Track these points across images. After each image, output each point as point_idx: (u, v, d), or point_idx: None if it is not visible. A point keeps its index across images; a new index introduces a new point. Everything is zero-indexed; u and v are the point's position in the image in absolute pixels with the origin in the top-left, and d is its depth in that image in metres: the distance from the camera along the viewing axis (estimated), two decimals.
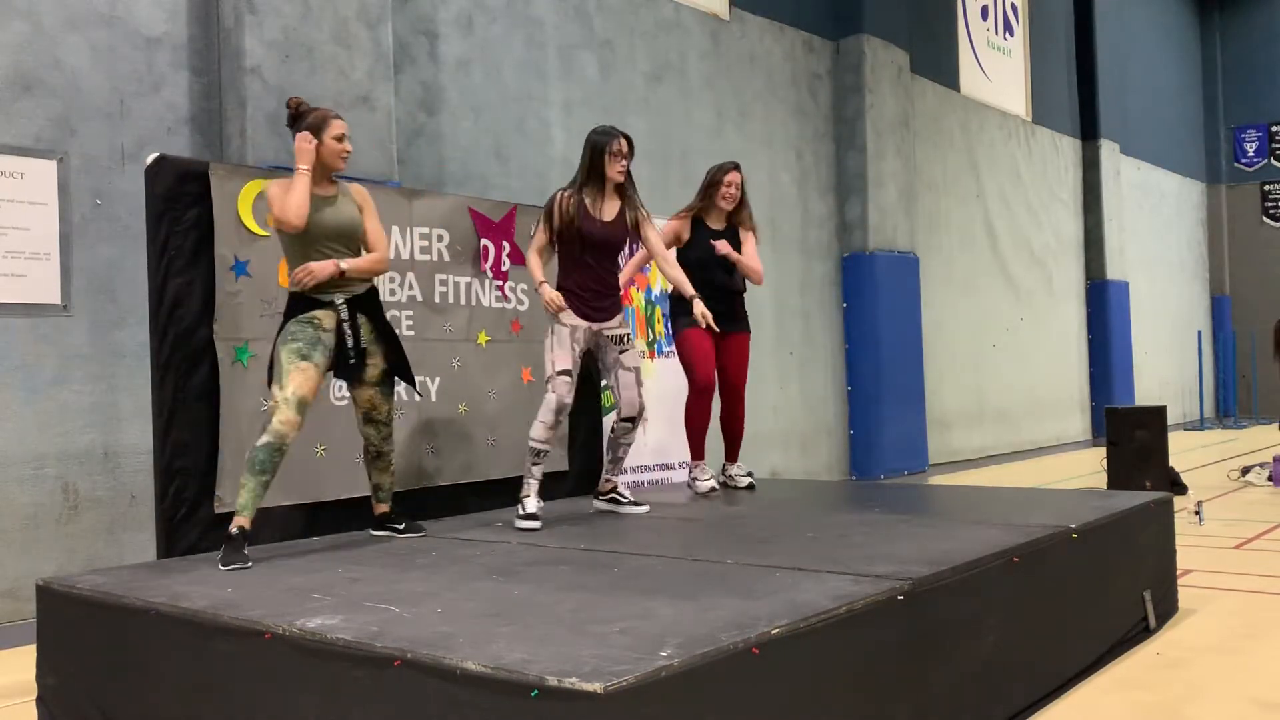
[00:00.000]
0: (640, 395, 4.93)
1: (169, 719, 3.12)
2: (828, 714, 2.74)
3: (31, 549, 5.01)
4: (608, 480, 5.14)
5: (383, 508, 4.59)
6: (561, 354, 4.75)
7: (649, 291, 7.07)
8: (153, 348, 4.39)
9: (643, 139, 8.33)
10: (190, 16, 5.68)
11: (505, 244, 5.70)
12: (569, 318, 4.81)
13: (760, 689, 2.55)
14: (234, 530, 3.92)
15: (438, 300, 5.37)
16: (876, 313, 10.34)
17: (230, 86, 5.60)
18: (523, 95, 7.43)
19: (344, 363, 4.21)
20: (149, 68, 5.52)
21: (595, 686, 2.20)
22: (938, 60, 12.09)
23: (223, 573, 3.71)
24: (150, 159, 4.47)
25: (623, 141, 4.87)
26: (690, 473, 5.83)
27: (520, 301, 5.78)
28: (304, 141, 4.14)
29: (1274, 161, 19.41)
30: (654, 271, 7.16)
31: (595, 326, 4.86)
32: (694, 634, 2.57)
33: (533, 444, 4.76)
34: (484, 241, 5.60)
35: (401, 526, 4.56)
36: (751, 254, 5.70)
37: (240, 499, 3.97)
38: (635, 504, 5.06)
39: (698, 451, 5.80)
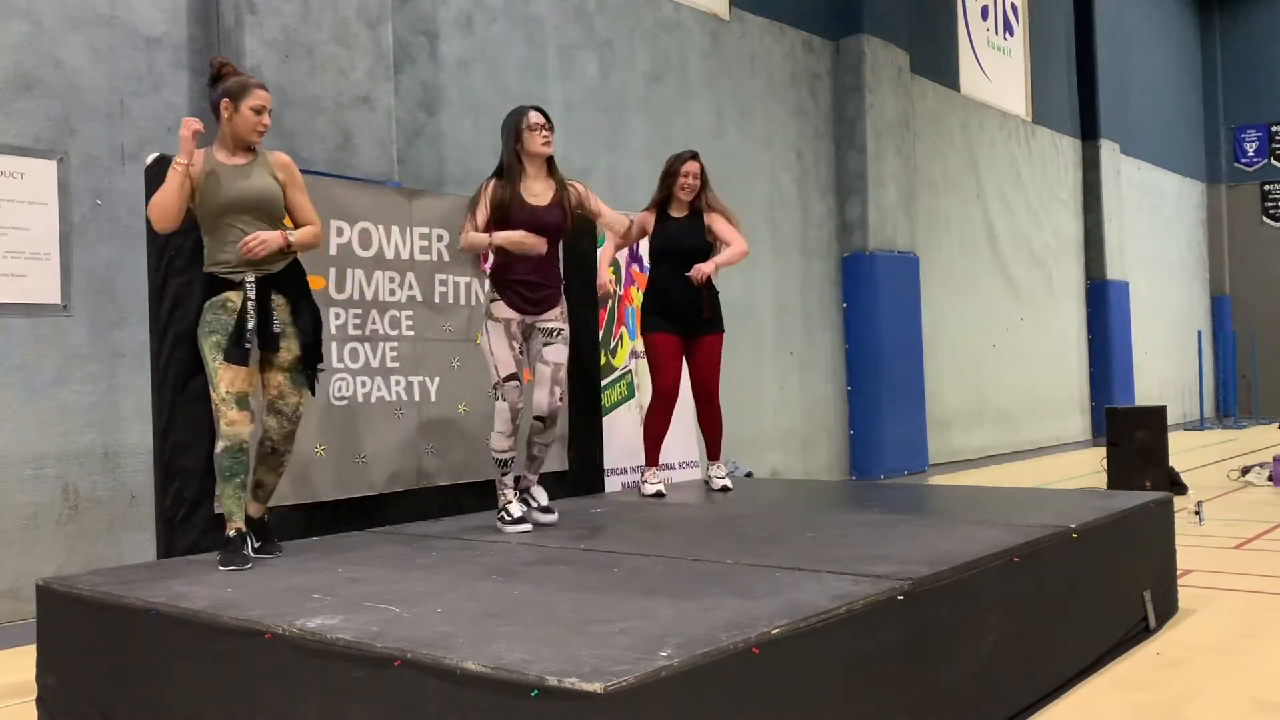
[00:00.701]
0: (553, 395, 4.64)
1: (169, 719, 3.12)
2: (828, 714, 2.74)
3: (31, 549, 5.01)
4: (526, 478, 4.79)
5: (256, 510, 4.15)
6: (503, 356, 4.54)
7: None
8: (153, 348, 4.39)
9: (643, 139, 8.33)
10: (190, 16, 5.67)
11: None
12: (501, 309, 4.58)
13: (760, 689, 2.55)
14: (231, 533, 3.89)
15: (438, 300, 5.37)
16: (876, 313, 10.34)
17: None
18: (523, 95, 7.43)
19: (239, 343, 3.87)
20: (149, 68, 5.52)
21: (595, 686, 2.20)
22: (938, 60, 12.09)
23: (222, 573, 3.71)
24: (150, 159, 4.47)
25: (537, 113, 4.59)
26: (641, 475, 5.79)
27: None
28: (184, 129, 3.81)
29: (1274, 161, 19.41)
30: None
31: (529, 319, 4.63)
32: (694, 634, 2.57)
33: (495, 455, 4.61)
34: None
35: (258, 544, 4.06)
36: (727, 233, 5.50)
37: (224, 506, 3.93)
38: (546, 510, 4.70)
39: (651, 458, 5.72)
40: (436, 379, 5.33)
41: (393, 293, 5.18)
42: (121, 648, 3.31)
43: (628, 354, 6.83)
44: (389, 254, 5.18)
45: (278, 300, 3.98)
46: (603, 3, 8.10)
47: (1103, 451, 9.19)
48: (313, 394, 4.12)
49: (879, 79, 10.53)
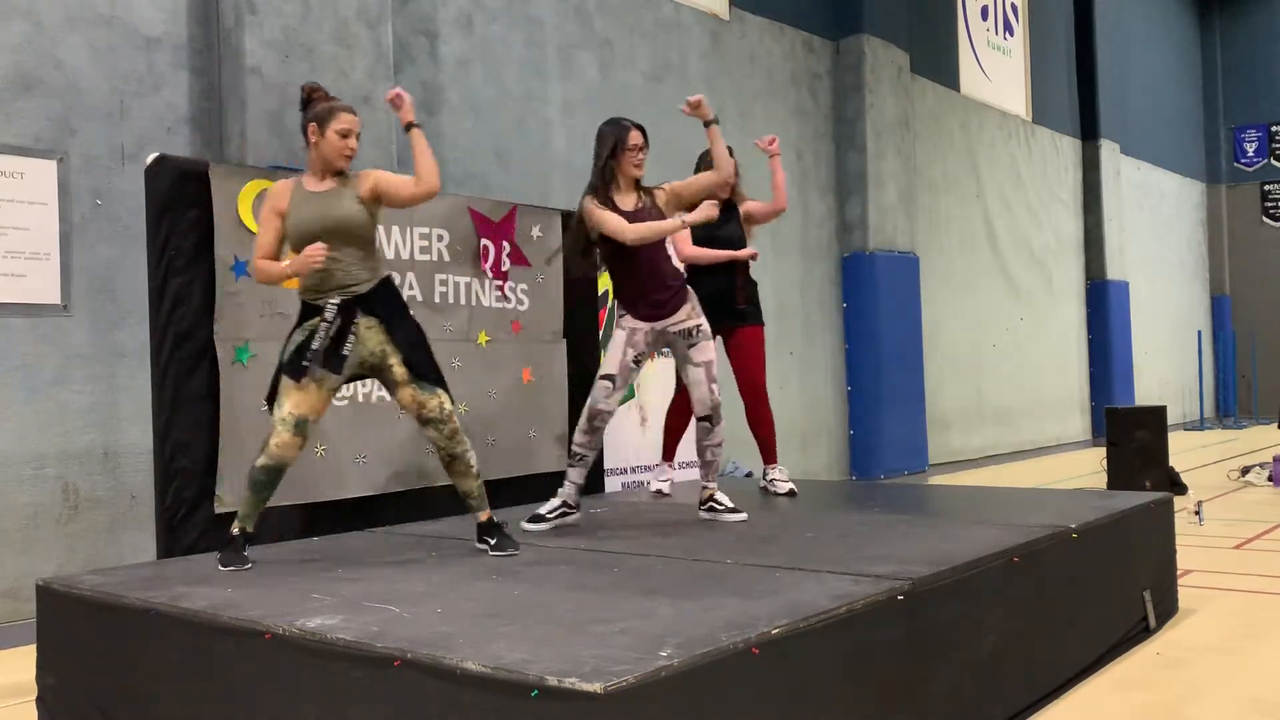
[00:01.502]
0: (713, 391, 4.59)
1: (169, 719, 3.12)
2: (828, 714, 2.74)
3: (31, 549, 5.01)
4: (704, 488, 4.74)
5: (481, 516, 4.05)
6: (611, 357, 4.55)
7: None
8: (153, 348, 4.39)
9: None
10: (190, 16, 5.67)
11: (505, 244, 5.70)
12: (628, 321, 4.58)
13: (760, 689, 2.55)
14: (234, 531, 3.88)
15: (438, 300, 5.37)
16: (876, 313, 10.33)
17: (230, 86, 5.60)
18: (523, 95, 7.43)
19: (298, 359, 3.84)
20: (149, 68, 5.52)
21: (595, 686, 2.20)
22: (938, 60, 12.09)
23: (223, 573, 3.71)
24: (150, 159, 4.47)
25: (639, 134, 4.55)
26: (653, 470, 5.66)
27: (520, 301, 5.78)
28: (317, 255, 3.74)
29: (1274, 161, 19.41)
30: None
31: (658, 326, 4.58)
32: (694, 634, 2.57)
33: (572, 447, 4.63)
34: (484, 241, 5.60)
35: (494, 542, 3.98)
36: (762, 205, 5.40)
37: (241, 509, 3.92)
38: (733, 510, 4.64)
39: (666, 453, 5.66)
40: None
41: None
42: (121, 648, 3.31)
43: None
44: (389, 254, 5.18)
45: (369, 322, 3.89)
46: (603, 3, 8.10)
47: (1103, 451, 9.19)
48: (450, 399, 4.04)
49: (879, 79, 10.53)
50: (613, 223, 4.41)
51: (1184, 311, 18.56)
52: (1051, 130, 14.45)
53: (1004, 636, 3.47)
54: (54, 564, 5.04)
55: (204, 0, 5.71)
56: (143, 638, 3.23)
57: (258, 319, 4.64)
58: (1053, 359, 14.14)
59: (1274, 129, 19.40)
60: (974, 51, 12.86)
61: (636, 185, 4.57)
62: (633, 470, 6.76)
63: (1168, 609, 4.70)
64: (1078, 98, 15.17)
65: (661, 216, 4.51)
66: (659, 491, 5.58)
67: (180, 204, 4.45)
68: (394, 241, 5.21)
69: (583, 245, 4.55)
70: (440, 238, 5.40)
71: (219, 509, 4.46)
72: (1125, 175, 16.24)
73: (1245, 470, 9.86)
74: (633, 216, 4.44)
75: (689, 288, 4.68)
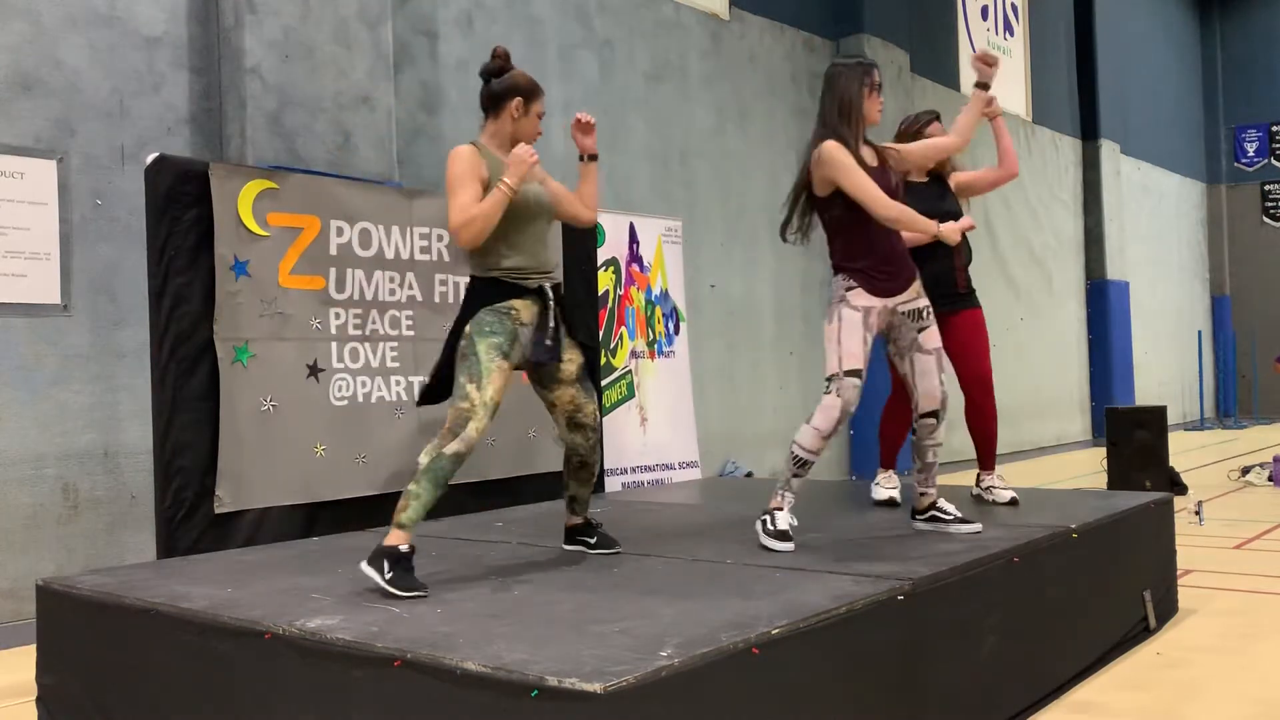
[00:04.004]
0: (942, 384, 4.03)
1: (169, 719, 3.11)
2: (828, 714, 2.74)
3: (31, 549, 5.01)
4: (923, 494, 4.16)
5: (577, 520, 3.97)
6: (852, 347, 3.87)
7: (649, 291, 7.07)
8: (153, 348, 4.39)
9: (643, 139, 8.33)
10: (190, 16, 5.67)
11: None
12: (861, 298, 3.89)
13: (760, 689, 2.55)
14: (404, 548, 3.32)
15: (437, 300, 5.37)
16: None
17: (230, 86, 5.60)
18: None
19: (540, 356, 3.59)
20: (149, 68, 5.52)
21: (595, 686, 2.20)
22: (938, 60, 12.09)
23: (228, 575, 3.70)
24: (150, 159, 4.47)
25: (878, 74, 4.00)
26: (876, 479, 5.03)
27: None
28: (530, 158, 3.51)
29: (1274, 161, 19.41)
30: (654, 269, 7.15)
31: (892, 303, 3.95)
32: (694, 634, 2.57)
33: (799, 453, 3.92)
34: None
35: (594, 540, 3.92)
36: (977, 175, 4.85)
37: (410, 512, 3.37)
38: (964, 521, 4.03)
39: (888, 461, 5.05)
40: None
41: (393, 293, 5.18)
42: (121, 648, 3.31)
43: (628, 354, 6.83)
44: (389, 254, 5.18)
45: (557, 311, 3.69)
46: (603, 3, 8.10)
47: (1103, 451, 9.19)
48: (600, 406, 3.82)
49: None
50: (871, 190, 3.80)
51: (1184, 311, 18.56)
52: (1051, 130, 14.44)
53: (1004, 636, 3.47)
54: (54, 564, 5.04)
55: (204, 0, 5.71)
56: (143, 638, 3.23)
57: (258, 319, 4.64)
58: (1053, 359, 14.14)
59: (1274, 129, 19.39)
60: (974, 51, 12.86)
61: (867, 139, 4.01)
62: (633, 470, 6.76)
63: (1168, 609, 4.70)
64: (1078, 98, 15.17)
65: (900, 181, 4.01)
66: (891, 500, 4.91)
67: (180, 204, 4.45)
68: (394, 241, 5.21)
69: (804, 198, 3.99)
70: (440, 238, 5.40)
71: (219, 509, 4.47)
72: (1125, 175, 16.23)
73: (1245, 470, 9.86)
74: (878, 176, 3.90)
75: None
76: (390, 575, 3.27)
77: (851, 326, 3.88)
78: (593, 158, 3.86)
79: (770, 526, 3.87)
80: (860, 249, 3.92)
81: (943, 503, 4.12)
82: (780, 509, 3.91)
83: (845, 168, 3.81)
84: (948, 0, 12.43)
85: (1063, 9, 14.96)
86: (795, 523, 3.94)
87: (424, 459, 3.43)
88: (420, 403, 3.72)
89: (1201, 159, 19.67)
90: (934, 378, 4.02)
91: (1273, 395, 18.48)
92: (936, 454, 4.13)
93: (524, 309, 3.60)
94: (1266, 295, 19.21)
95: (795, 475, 3.94)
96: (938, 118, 4.95)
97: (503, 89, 3.68)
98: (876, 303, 3.92)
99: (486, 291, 3.57)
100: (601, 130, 7.99)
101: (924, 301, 4.03)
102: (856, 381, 3.89)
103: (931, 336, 4.02)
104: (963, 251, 4.83)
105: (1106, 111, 15.31)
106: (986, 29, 13.13)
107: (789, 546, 3.77)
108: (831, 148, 3.85)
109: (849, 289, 3.92)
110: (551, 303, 3.63)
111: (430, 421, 5.26)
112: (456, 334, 3.56)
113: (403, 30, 6.65)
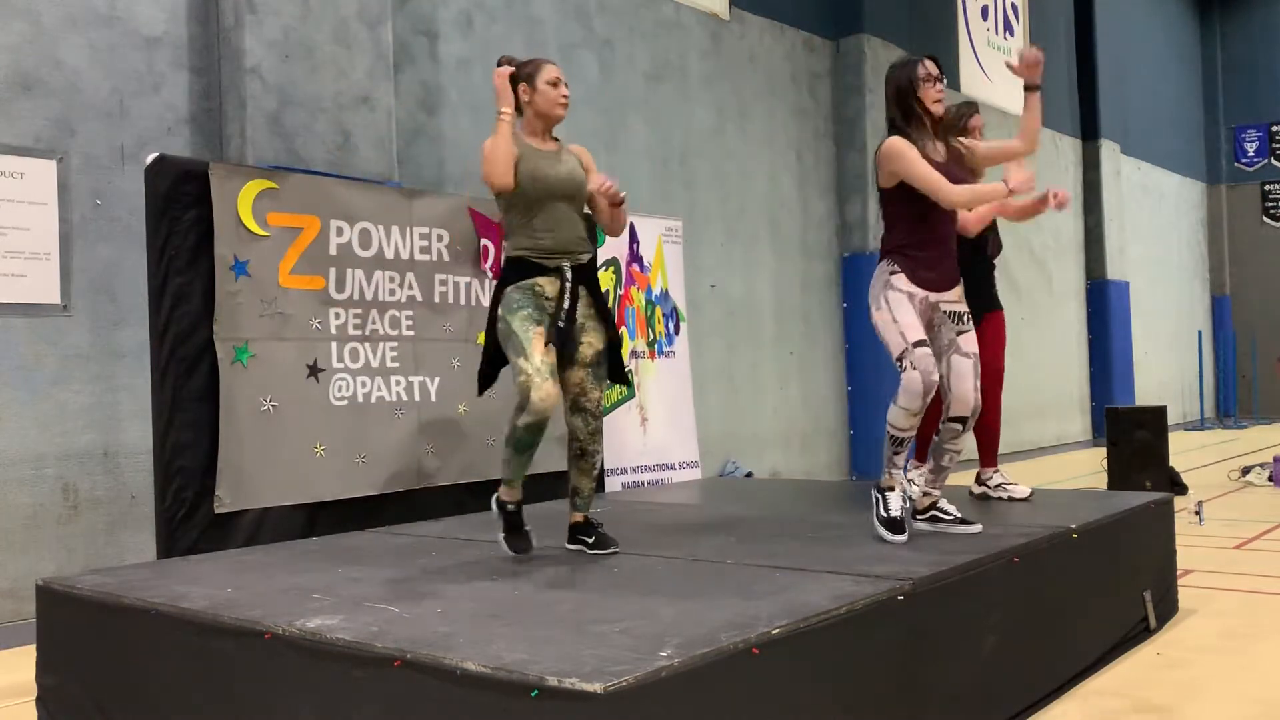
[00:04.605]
0: (976, 389, 3.99)
1: (169, 719, 3.11)
2: (828, 714, 2.74)
3: (31, 549, 5.01)
4: (926, 494, 4.12)
5: (578, 517, 3.97)
6: (910, 318, 3.84)
7: (649, 291, 7.08)
8: (153, 348, 4.40)
9: (643, 139, 8.33)
10: (190, 16, 5.67)
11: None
12: (904, 283, 3.91)
13: (760, 689, 2.55)
14: (510, 505, 3.73)
15: (437, 300, 5.37)
16: None
17: (230, 86, 5.60)
18: None
19: (555, 325, 3.72)
20: (149, 68, 5.52)
21: (595, 686, 2.20)
22: (938, 60, 12.08)
23: (228, 575, 3.69)
24: (150, 159, 4.48)
25: (931, 63, 4.02)
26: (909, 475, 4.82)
27: None
28: (499, 77, 3.70)
29: (1274, 161, 19.40)
30: (655, 269, 7.15)
31: (934, 298, 3.96)
32: (694, 634, 2.57)
33: (894, 433, 3.90)
34: (484, 241, 5.60)
35: (591, 540, 3.90)
36: (994, 147, 4.42)
37: (509, 471, 3.73)
38: (964, 521, 4.00)
39: (989, 458, 5.00)
40: (436, 379, 5.33)
41: (393, 293, 5.18)
42: (121, 648, 3.31)
43: (628, 354, 6.83)
44: (389, 254, 5.18)
45: (582, 291, 3.83)
46: (603, 3, 8.10)
47: (1103, 451, 9.19)
48: (629, 387, 3.96)
49: (879, 79, 10.51)
50: (933, 178, 3.84)
51: (1184, 311, 18.56)
52: (1052, 130, 14.44)
53: (1004, 636, 3.47)
54: (54, 564, 5.04)
55: (204, 0, 5.71)
56: (143, 638, 3.23)
57: (258, 319, 4.65)
58: (1053, 359, 14.14)
59: (1274, 129, 19.39)
60: (974, 51, 12.86)
61: (935, 127, 4.04)
62: (633, 470, 6.76)
63: (1168, 609, 4.70)
64: (1078, 98, 15.17)
65: (964, 169, 4.03)
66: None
67: (180, 204, 4.45)
68: (394, 241, 5.21)
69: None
70: (440, 238, 5.40)
71: (219, 509, 4.47)
72: (1125, 175, 16.23)
73: (1245, 470, 9.85)
74: (941, 168, 3.92)
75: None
76: (502, 527, 3.78)
77: (900, 303, 3.90)
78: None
79: (884, 512, 3.90)
80: (912, 240, 3.96)
81: (943, 503, 4.11)
82: (892, 489, 3.95)
83: (907, 159, 3.87)
84: (948, 0, 12.43)
85: (1063, 9, 14.96)
86: (907, 505, 3.98)
87: (506, 430, 3.70)
88: (480, 391, 3.88)
89: (1201, 159, 19.67)
90: (969, 381, 3.99)
91: (1273, 395, 18.48)
92: (954, 460, 4.11)
93: (548, 286, 3.74)
94: (1266, 295, 19.20)
95: (896, 453, 3.97)
96: (978, 110, 5.00)
97: (511, 82, 3.85)
98: (919, 291, 3.94)
99: (511, 271, 3.76)
100: (601, 130, 8.00)
101: (965, 307, 4.05)
102: (926, 350, 3.83)
103: (970, 341, 4.02)
104: (993, 258, 4.99)
105: (1106, 111, 15.31)
106: (986, 29, 13.13)
107: (901, 538, 3.79)
108: (892, 141, 3.93)
109: (893, 273, 3.96)
110: (568, 282, 3.75)
111: (430, 421, 5.26)
112: (493, 320, 3.76)
113: (403, 30, 6.65)
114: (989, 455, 4.96)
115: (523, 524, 3.82)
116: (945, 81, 4.06)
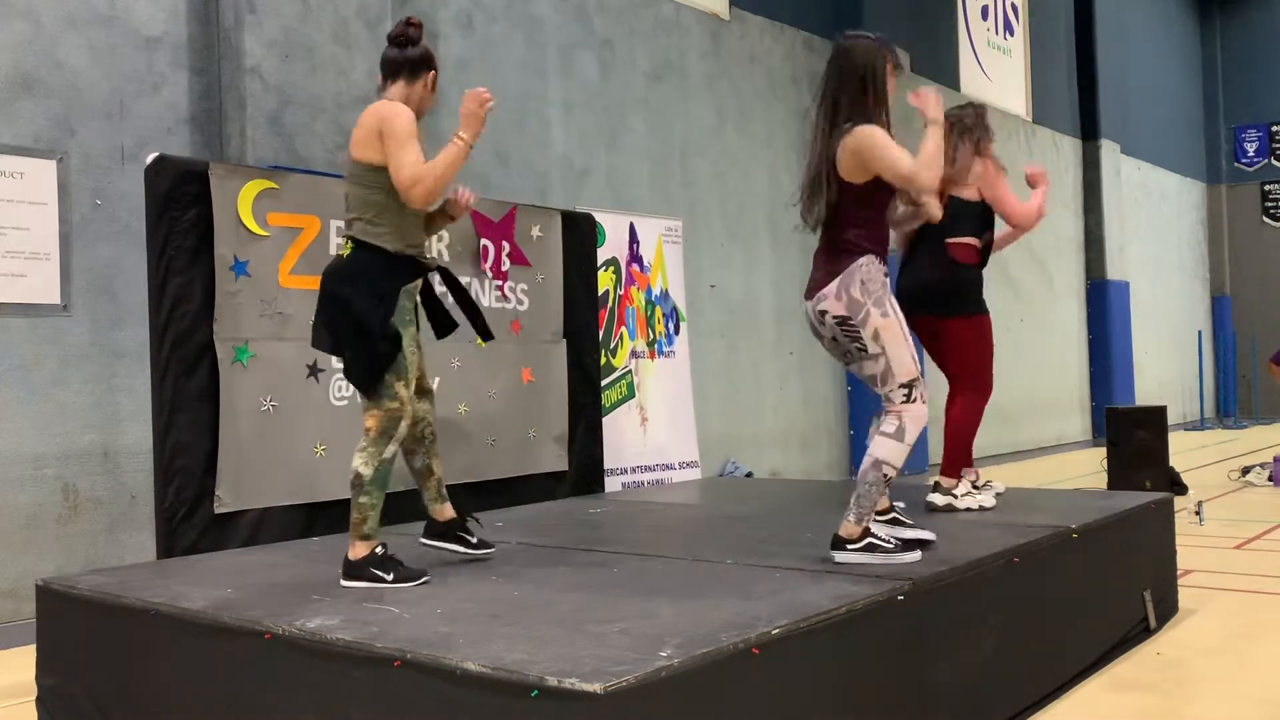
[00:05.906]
0: None
1: (169, 719, 3.11)
2: (828, 714, 2.74)
3: (31, 549, 5.01)
4: (895, 505, 3.92)
5: (451, 511, 3.82)
6: (911, 348, 3.56)
7: (649, 291, 7.08)
8: (153, 348, 4.39)
9: (643, 139, 8.33)
10: (190, 16, 5.67)
11: (505, 244, 5.70)
12: (893, 301, 3.60)
13: (760, 689, 2.55)
14: (380, 550, 3.44)
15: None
16: None
17: (230, 86, 5.60)
18: (523, 95, 7.43)
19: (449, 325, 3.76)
20: (149, 68, 5.52)
21: (595, 686, 2.20)
22: (938, 60, 12.08)
23: (228, 575, 3.69)
24: (150, 159, 4.47)
25: (899, 52, 3.69)
26: (971, 483, 4.70)
27: (520, 302, 5.78)
28: (483, 108, 3.38)
29: (1274, 161, 19.40)
30: (654, 269, 7.15)
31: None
32: (694, 634, 2.57)
33: (886, 470, 3.50)
34: (484, 241, 5.60)
35: (475, 540, 3.81)
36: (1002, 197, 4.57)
37: (371, 523, 3.44)
38: (918, 526, 3.80)
39: (968, 459, 4.80)
40: (436, 379, 5.32)
41: None
42: (121, 648, 3.31)
43: (628, 354, 6.83)
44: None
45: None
46: (603, 3, 8.09)
47: (1103, 451, 9.19)
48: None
49: None
50: (907, 161, 3.45)
51: (1184, 311, 18.56)
52: (1052, 130, 14.44)
53: (1004, 636, 3.47)
54: (54, 564, 5.04)
55: (204, 0, 5.71)
56: (142, 638, 3.23)
57: (258, 319, 4.64)
58: (1053, 359, 14.14)
59: (1274, 129, 19.39)
60: (974, 51, 12.86)
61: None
62: (633, 470, 6.76)
63: (1168, 609, 4.70)
64: (1078, 98, 15.17)
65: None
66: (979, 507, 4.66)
67: (180, 204, 4.44)
68: None
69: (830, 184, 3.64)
70: (440, 238, 5.40)
71: (219, 509, 4.46)
72: (1125, 175, 16.23)
73: (1245, 470, 9.86)
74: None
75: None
76: (391, 576, 3.37)
77: (897, 334, 3.52)
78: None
79: (887, 545, 3.45)
80: (885, 232, 3.71)
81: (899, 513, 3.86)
82: (869, 530, 3.49)
83: (875, 145, 3.47)
84: (948, 0, 12.43)
85: (1063, 9, 14.95)
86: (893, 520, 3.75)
87: (364, 471, 3.44)
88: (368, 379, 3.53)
89: (1201, 159, 19.66)
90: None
91: (1273, 395, 18.46)
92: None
93: (416, 288, 3.60)
94: (1266, 295, 19.20)
95: (882, 495, 3.61)
96: (986, 111, 4.97)
97: (419, 58, 3.54)
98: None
99: (403, 269, 3.53)
100: (601, 130, 8.00)
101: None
102: (924, 385, 3.58)
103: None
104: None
105: (1106, 111, 15.31)
106: (986, 29, 13.12)
107: (916, 556, 3.43)
108: (871, 131, 3.50)
109: (886, 275, 3.61)
110: (439, 281, 3.82)
111: None
112: (364, 300, 3.44)
113: None
114: (953, 466, 4.70)
115: (395, 554, 3.48)
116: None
